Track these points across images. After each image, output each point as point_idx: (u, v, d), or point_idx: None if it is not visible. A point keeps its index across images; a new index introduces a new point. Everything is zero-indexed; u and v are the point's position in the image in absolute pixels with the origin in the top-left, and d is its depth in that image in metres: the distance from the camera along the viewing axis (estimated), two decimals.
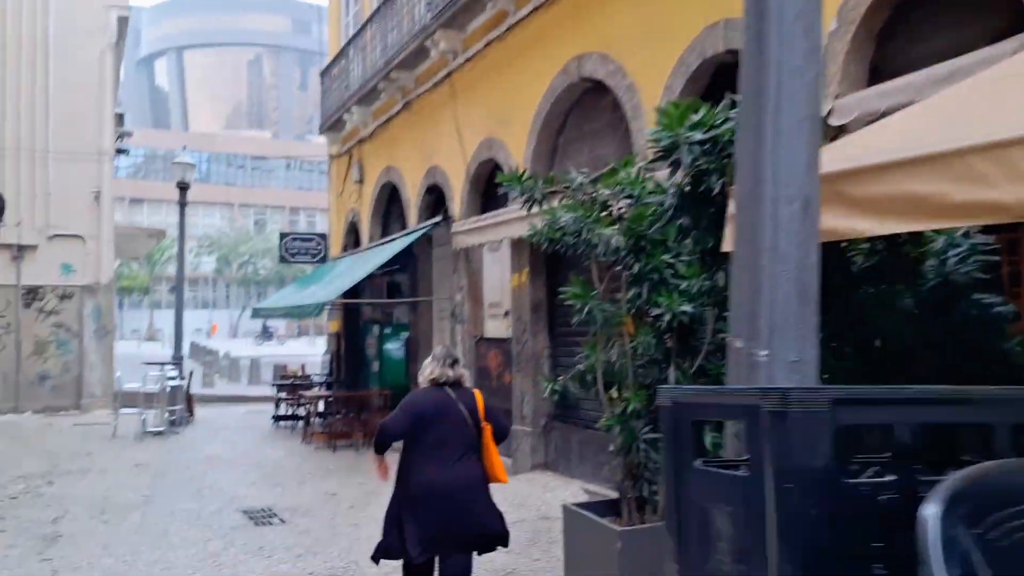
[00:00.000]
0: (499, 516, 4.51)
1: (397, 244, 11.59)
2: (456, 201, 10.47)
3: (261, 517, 7.46)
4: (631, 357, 4.57)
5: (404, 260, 12.41)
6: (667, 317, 4.27)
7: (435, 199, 11.60)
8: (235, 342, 46.05)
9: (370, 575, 5.56)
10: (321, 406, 13.16)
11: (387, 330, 15.02)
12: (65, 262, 16.22)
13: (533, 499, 7.51)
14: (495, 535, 4.48)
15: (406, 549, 4.24)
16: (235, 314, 64.71)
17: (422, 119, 11.69)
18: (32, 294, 15.96)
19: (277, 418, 14.21)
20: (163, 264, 56.36)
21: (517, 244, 8.80)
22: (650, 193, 4.35)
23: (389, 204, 13.94)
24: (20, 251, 15.82)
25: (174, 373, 13.63)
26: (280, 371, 17.84)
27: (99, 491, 8.61)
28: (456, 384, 4.44)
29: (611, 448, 4.94)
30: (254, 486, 8.93)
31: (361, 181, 14.51)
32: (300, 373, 17.33)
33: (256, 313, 14.82)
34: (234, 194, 65.25)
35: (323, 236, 17.12)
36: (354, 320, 15.45)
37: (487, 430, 4.43)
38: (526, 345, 8.75)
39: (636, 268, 4.42)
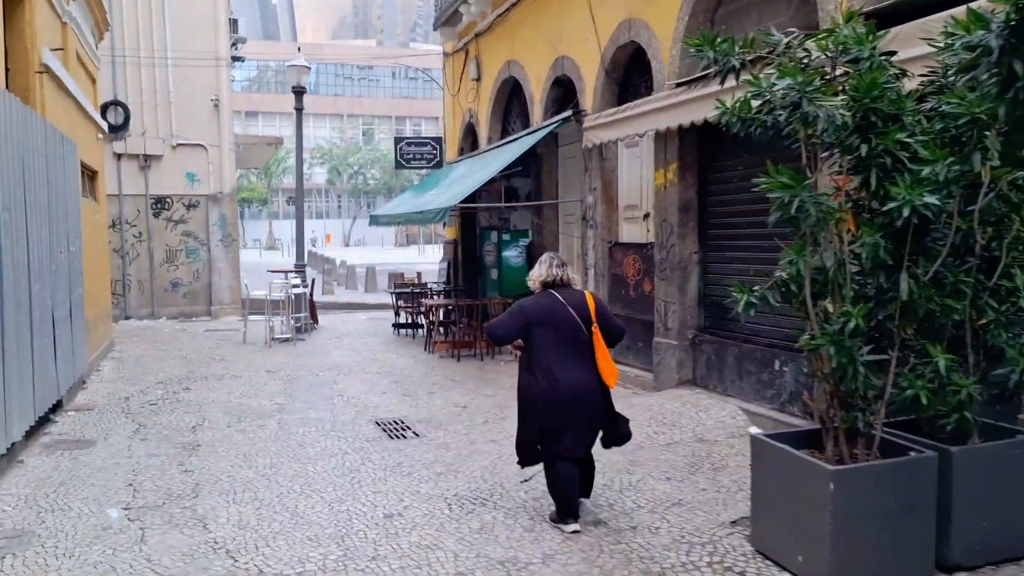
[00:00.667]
0: (621, 418, 4.80)
1: (520, 144, 10.82)
2: (588, 93, 9.55)
3: (395, 430, 7.16)
4: (848, 262, 3.73)
5: (527, 162, 11.67)
6: (905, 211, 3.40)
7: (562, 93, 10.69)
8: (348, 251, 46.99)
9: (517, 499, 5.11)
10: (441, 314, 12.87)
11: (506, 237, 14.47)
12: (189, 171, 16.36)
13: (685, 419, 6.86)
14: (619, 436, 4.79)
15: (545, 448, 4.62)
16: (347, 223, 66.13)
17: (547, 5, 10.68)
18: (160, 204, 16.23)
19: (397, 326, 14.06)
20: (279, 175, 57.82)
21: (662, 137, 7.88)
22: (951, 35, 3.41)
23: (509, 102, 13.10)
24: (147, 161, 16.01)
25: (297, 281, 13.59)
26: (396, 279, 17.74)
27: (234, 398, 8.57)
28: (566, 286, 4.60)
29: (809, 370, 4.18)
30: (384, 395, 8.68)
31: (479, 79, 13.69)
32: (416, 281, 17.17)
33: (374, 220, 14.51)
34: (343, 105, 65.59)
35: (438, 140, 16.52)
36: (471, 227, 14.95)
37: (597, 333, 4.50)
38: (672, 250, 7.92)
39: (863, 150, 3.53)
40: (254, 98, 61.33)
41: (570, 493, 4.53)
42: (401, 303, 14.23)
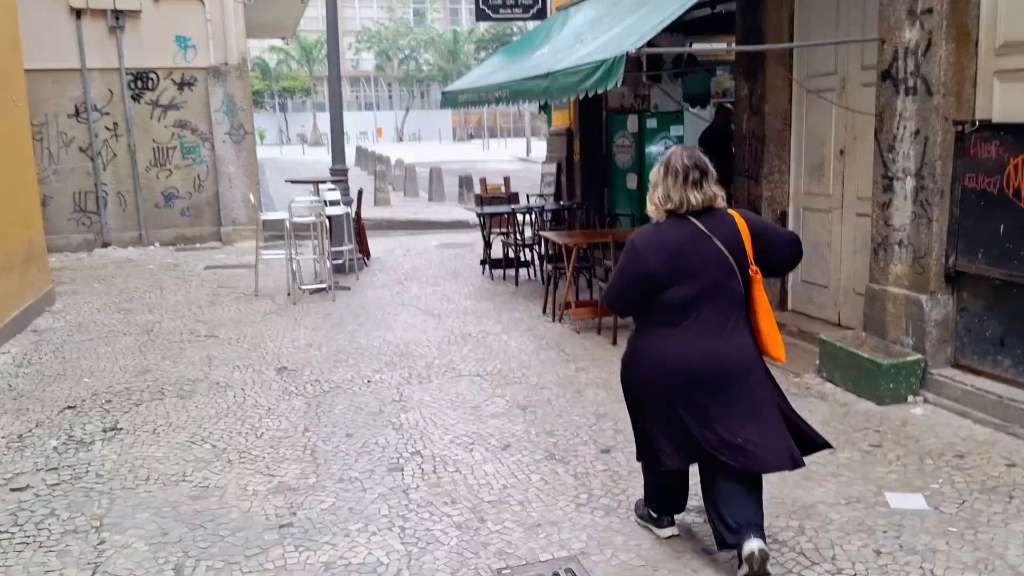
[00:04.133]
0: (794, 418, 2.92)
1: None
2: None
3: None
4: None
5: None
6: None
7: None
8: (401, 147, 41.91)
9: None
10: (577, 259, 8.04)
11: (651, 123, 9.36)
12: (180, 34, 11.43)
13: None
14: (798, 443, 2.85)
15: (655, 454, 2.90)
16: (399, 115, 60.81)
17: None
18: (141, 81, 11.41)
19: (489, 263, 9.26)
20: (322, 61, 52.21)
21: None
22: None
23: None
24: (119, 19, 11.11)
25: (335, 196, 8.79)
26: (481, 190, 12.85)
27: (196, 469, 3.95)
28: (708, 211, 2.76)
29: None
30: (518, 459, 3.98)
31: None
32: (503, 191, 12.29)
33: (449, 101, 9.52)
34: None
35: None
36: (594, 111, 9.83)
37: (756, 279, 2.77)
38: None
39: None
40: None
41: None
42: (496, 230, 9.38)
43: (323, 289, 8.26)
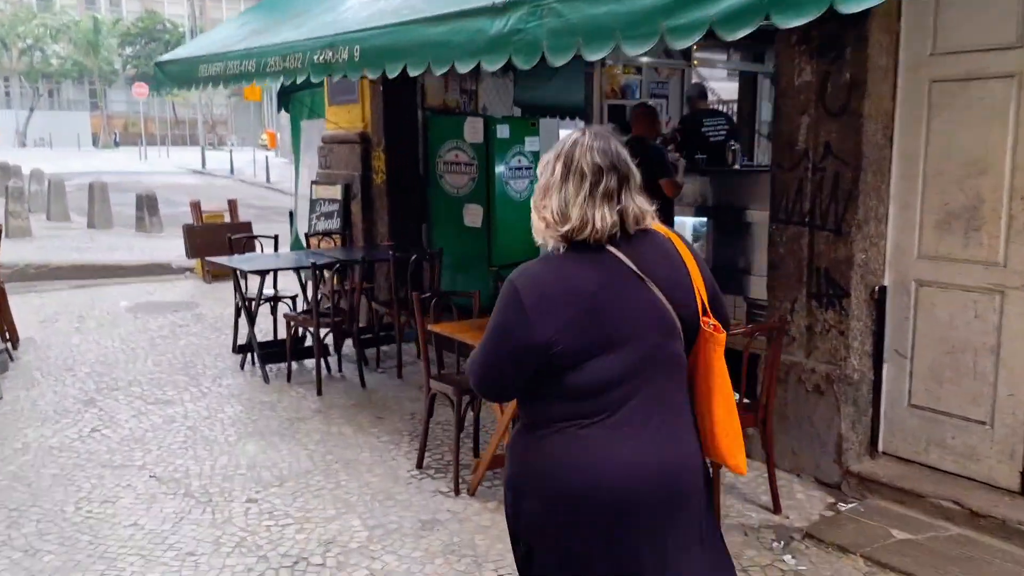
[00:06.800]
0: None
1: None
2: None
3: None
4: None
5: None
6: None
7: None
8: (26, 154, 33.18)
9: None
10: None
11: (501, 130, 6.40)
12: None
13: None
14: None
15: None
16: (20, 116, 49.87)
17: None
18: None
19: (256, 352, 5.48)
20: None
21: None
22: None
23: None
24: None
25: None
26: (193, 215, 8.81)
27: None
28: (633, 235, 1.69)
29: None
30: None
31: None
32: (228, 218, 8.67)
33: (162, 73, 5.57)
34: None
35: None
36: (404, 109, 6.58)
37: (716, 339, 1.74)
38: None
39: None
40: None
41: None
42: (272, 293, 5.69)
43: None
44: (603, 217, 1.62)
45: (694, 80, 7.04)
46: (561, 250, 1.67)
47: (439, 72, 3.10)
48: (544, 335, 1.62)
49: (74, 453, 4.08)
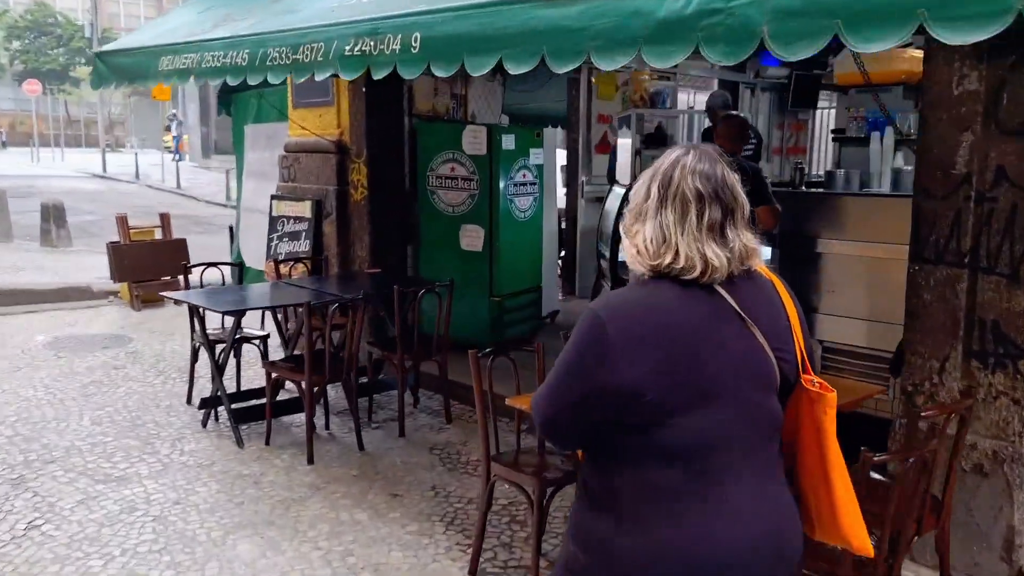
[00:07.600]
0: None
1: None
2: None
3: None
4: None
5: None
6: None
7: None
8: None
9: None
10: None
11: (507, 141, 5.62)
12: None
13: None
14: None
15: None
16: None
17: None
18: None
19: (228, 408, 4.48)
20: None
21: None
22: None
23: None
24: None
25: None
26: (120, 231, 7.62)
27: None
28: (739, 277, 1.49)
29: None
30: None
31: None
32: (164, 235, 7.71)
33: (104, 66, 4.53)
34: None
35: None
36: (390, 114, 5.70)
37: (825, 399, 1.52)
38: None
39: None
40: None
41: None
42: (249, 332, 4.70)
43: None
44: (716, 255, 1.43)
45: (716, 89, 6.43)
46: (642, 283, 1.48)
47: (563, 69, 2.29)
48: (630, 378, 1.40)
49: (8, 564, 3.05)
